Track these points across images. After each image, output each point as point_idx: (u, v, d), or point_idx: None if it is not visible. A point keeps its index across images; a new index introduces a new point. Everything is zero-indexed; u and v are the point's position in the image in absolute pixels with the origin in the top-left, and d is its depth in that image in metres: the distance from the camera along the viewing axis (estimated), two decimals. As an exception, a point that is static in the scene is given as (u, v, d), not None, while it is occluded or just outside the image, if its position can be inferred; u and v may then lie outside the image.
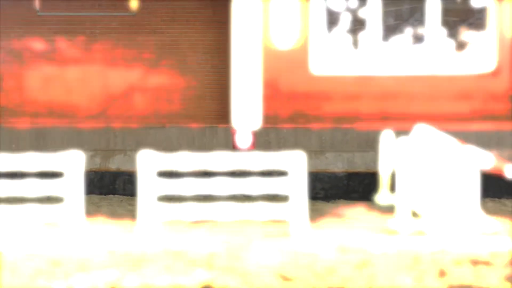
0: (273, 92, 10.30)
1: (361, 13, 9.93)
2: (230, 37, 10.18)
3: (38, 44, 10.61)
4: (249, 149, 9.42)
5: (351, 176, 9.29)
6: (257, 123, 10.13)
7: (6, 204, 8.03)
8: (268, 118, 10.26)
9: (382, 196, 8.00)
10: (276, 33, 10.16)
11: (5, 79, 10.81)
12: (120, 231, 7.14)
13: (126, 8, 10.29)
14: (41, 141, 9.80)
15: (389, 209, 7.89)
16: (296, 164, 6.55)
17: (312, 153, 9.11)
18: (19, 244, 6.60)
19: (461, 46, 9.90)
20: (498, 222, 6.88)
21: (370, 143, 9.01)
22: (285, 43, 10.19)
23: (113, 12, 10.37)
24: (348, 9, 10.18)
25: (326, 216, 7.97)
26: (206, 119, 10.58)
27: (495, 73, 9.76)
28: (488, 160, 6.96)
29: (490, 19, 9.70)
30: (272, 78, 10.16)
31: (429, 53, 9.88)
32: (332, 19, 10.27)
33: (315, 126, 9.88)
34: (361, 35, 9.93)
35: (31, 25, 10.53)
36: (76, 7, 10.39)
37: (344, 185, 9.28)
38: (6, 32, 10.56)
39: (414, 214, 7.21)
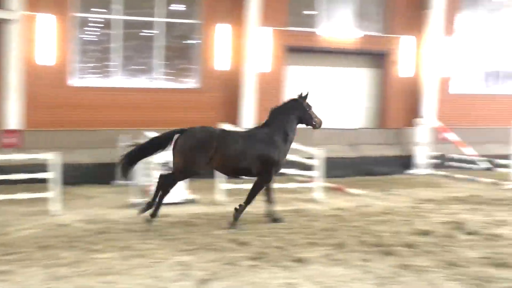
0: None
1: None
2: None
3: None
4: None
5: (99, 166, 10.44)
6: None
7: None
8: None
9: (119, 180, 9.50)
10: (38, 51, 11.32)
11: None
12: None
13: None
14: None
15: (124, 190, 8.85)
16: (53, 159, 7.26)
17: (65, 149, 9.87)
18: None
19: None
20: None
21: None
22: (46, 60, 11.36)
23: None
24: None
25: (78, 197, 8.68)
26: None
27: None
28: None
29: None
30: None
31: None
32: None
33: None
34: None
35: None
36: None
37: (90, 172, 10.37)
38: None
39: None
